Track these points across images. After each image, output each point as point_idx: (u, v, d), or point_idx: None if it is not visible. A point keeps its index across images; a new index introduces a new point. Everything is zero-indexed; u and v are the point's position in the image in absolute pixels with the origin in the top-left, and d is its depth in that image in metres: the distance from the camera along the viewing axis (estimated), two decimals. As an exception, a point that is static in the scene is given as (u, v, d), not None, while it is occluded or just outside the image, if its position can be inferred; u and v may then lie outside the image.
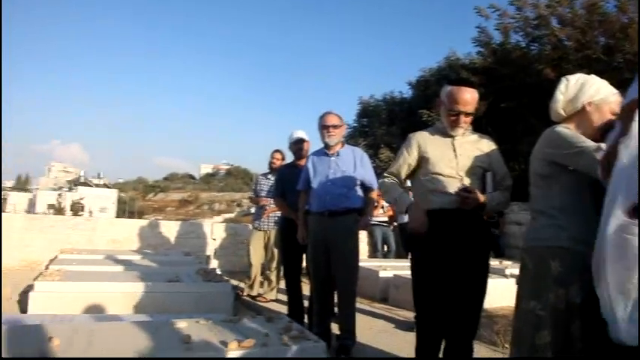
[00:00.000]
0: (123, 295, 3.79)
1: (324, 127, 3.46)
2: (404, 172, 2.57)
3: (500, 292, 4.65)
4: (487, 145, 2.53)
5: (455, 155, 2.44)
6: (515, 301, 2.08)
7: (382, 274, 5.53)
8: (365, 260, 6.93)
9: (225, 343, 2.26)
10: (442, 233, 2.36)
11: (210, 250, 7.42)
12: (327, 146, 3.50)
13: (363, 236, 8.19)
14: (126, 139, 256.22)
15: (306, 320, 3.93)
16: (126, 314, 3.51)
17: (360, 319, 3.65)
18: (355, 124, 16.04)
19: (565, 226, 1.92)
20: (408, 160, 2.53)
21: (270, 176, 5.26)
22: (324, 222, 3.39)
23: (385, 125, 14.13)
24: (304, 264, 4.04)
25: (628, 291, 1.31)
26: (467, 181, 2.39)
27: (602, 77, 2.11)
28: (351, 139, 13.19)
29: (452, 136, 2.48)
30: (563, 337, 1.87)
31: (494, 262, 7.18)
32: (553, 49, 9.66)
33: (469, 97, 2.39)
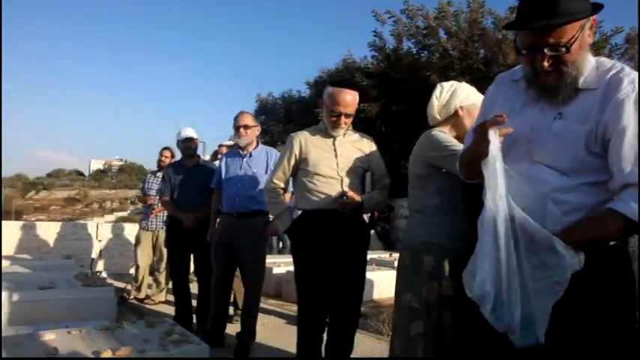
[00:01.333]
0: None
1: (236, 128, 3.45)
2: (287, 174, 2.60)
3: (389, 283, 4.90)
4: (367, 146, 2.59)
5: (335, 155, 2.48)
6: (394, 294, 2.21)
7: (276, 270, 5.58)
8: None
9: (98, 353, 2.13)
10: (320, 233, 2.41)
11: (95, 252, 6.93)
12: (239, 146, 3.49)
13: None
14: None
15: (195, 321, 3.86)
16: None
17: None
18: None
19: (439, 223, 2.06)
20: (290, 160, 2.56)
21: (159, 174, 5.05)
22: (232, 224, 3.36)
23: (282, 123, 14.25)
24: (192, 264, 3.95)
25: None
26: (347, 181, 2.46)
27: (480, 85, 2.29)
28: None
29: (333, 137, 2.52)
30: (435, 326, 2.00)
31: (384, 255, 7.57)
32: (440, 58, 10.39)
33: (350, 99, 2.43)
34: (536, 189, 1.26)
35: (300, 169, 2.54)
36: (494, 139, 1.24)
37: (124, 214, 28.11)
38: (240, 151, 3.49)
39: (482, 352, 1.52)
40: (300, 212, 2.61)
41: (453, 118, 2.17)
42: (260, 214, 3.35)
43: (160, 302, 4.92)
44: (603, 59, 1.37)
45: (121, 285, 5.70)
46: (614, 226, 1.20)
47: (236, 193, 3.37)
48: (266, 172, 3.37)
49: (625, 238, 1.29)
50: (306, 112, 12.64)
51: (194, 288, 3.96)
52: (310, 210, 2.47)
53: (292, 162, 2.56)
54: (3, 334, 2.69)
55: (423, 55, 11.02)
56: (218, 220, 3.55)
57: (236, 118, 3.47)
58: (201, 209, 3.71)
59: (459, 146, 2.01)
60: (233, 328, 3.55)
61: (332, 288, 2.45)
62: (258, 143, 3.57)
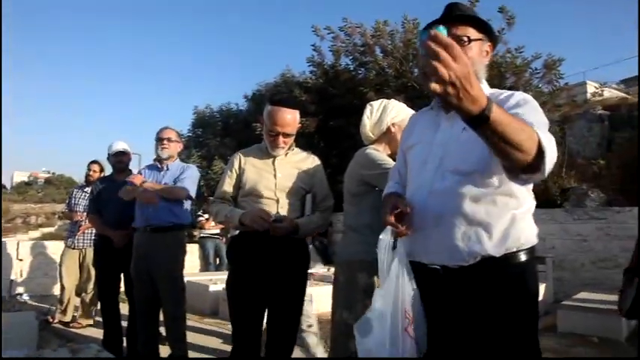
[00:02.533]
0: None
1: (159, 140, 3.41)
2: (230, 194, 2.45)
3: (328, 299, 4.90)
4: (311, 165, 2.49)
5: (274, 175, 2.38)
6: (331, 311, 2.23)
7: (212, 287, 5.47)
8: (194, 275, 6.76)
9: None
10: (256, 254, 2.31)
11: (15, 274, 6.46)
12: (159, 159, 3.43)
13: (194, 249, 8.00)
14: None
15: (125, 344, 3.70)
16: None
17: (191, 337, 3.55)
18: (190, 134, 15.60)
19: (373, 241, 2.10)
20: (232, 177, 2.45)
21: (87, 189, 4.82)
22: (146, 238, 3.25)
23: (220, 137, 13.98)
24: (122, 284, 3.79)
25: None
26: (284, 203, 2.36)
27: (415, 103, 2.37)
28: (185, 149, 12.75)
29: (273, 156, 2.42)
30: None
31: (323, 269, 7.60)
32: (376, 75, 10.67)
33: (289, 118, 2.33)
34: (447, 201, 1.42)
35: (240, 189, 2.43)
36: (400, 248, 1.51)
37: (51, 229, 26.36)
38: (159, 164, 3.45)
39: None
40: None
41: (386, 136, 2.24)
42: (175, 228, 3.31)
43: (88, 325, 4.67)
44: (494, 90, 1.58)
45: (45, 307, 5.36)
46: (530, 137, 1.13)
47: (150, 205, 3.25)
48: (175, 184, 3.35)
49: (526, 169, 1.18)
50: (245, 125, 12.48)
51: (124, 309, 3.79)
52: (245, 231, 2.34)
53: (234, 180, 2.44)
54: None
55: (360, 72, 11.25)
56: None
57: (160, 131, 3.45)
58: (131, 226, 3.58)
59: (392, 164, 2.05)
60: (166, 350, 3.42)
61: (269, 310, 2.37)
62: (176, 159, 3.53)
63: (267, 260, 2.29)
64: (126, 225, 3.57)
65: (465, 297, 1.41)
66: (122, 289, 3.82)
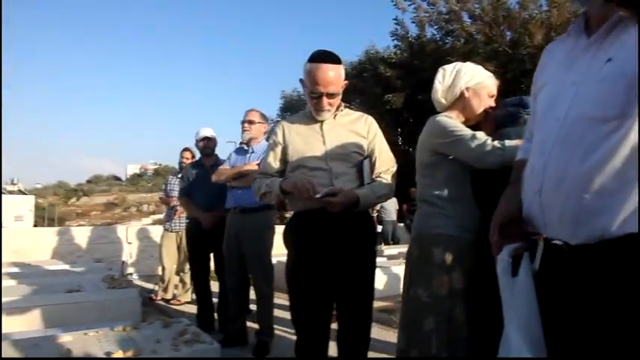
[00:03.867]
0: (14, 311, 3.50)
1: (242, 122, 3.48)
2: (275, 169, 2.18)
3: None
4: (365, 126, 2.17)
5: (323, 142, 2.08)
6: (403, 287, 2.13)
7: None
8: (284, 255, 6.92)
9: (109, 354, 2.15)
10: (312, 236, 2.04)
11: (125, 255, 7.09)
12: (243, 142, 3.51)
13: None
14: (43, 140, 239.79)
15: (216, 318, 3.89)
16: (12, 332, 3.24)
17: (279, 314, 3.62)
18: (278, 119, 16.04)
19: (449, 214, 1.96)
20: (275, 154, 2.17)
21: (180, 175, 5.08)
22: (236, 219, 3.35)
23: (310, 119, 14.15)
24: (212, 263, 3.96)
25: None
26: (338, 172, 2.05)
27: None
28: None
29: (320, 121, 2.12)
30: (446, 323, 1.91)
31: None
32: (465, 43, 10.13)
33: (332, 76, 2.01)
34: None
35: (287, 162, 2.15)
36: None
37: (160, 216, 28.83)
38: (245, 147, 3.50)
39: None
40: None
41: (459, 101, 2.06)
42: (265, 208, 3.33)
43: (186, 302, 4.97)
44: None
45: (150, 286, 5.80)
46: None
47: (239, 187, 3.34)
48: None
49: None
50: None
51: (215, 287, 3.97)
52: (300, 211, 2.10)
53: (279, 152, 2.16)
54: (31, 336, 2.77)
55: (447, 41, 10.76)
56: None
57: (244, 114, 3.50)
58: (219, 208, 3.71)
59: (466, 131, 1.92)
60: (255, 326, 3.52)
61: (338, 297, 2.10)
62: (261, 140, 3.54)
63: (327, 241, 2.02)
64: (214, 207, 3.72)
65: (594, 284, 1.07)
66: (213, 268, 4.00)
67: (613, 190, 1.03)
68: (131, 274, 6.86)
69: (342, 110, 2.16)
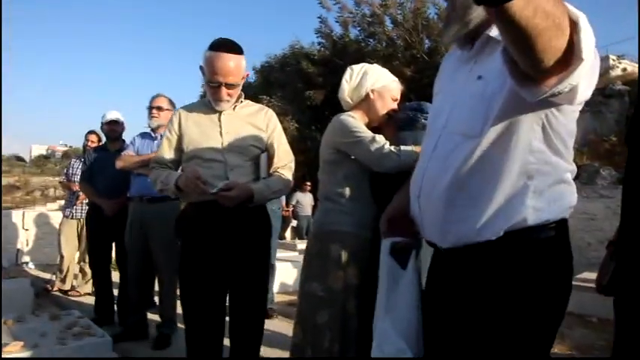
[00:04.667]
0: None
1: (149, 108, 3.38)
2: (168, 159, 2.11)
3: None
4: (265, 119, 2.14)
5: (220, 133, 2.04)
6: (300, 282, 2.18)
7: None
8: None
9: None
10: (204, 227, 2.02)
11: (20, 243, 6.58)
12: (151, 128, 3.40)
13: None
14: None
15: (116, 309, 3.77)
16: None
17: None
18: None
19: (348, 211, 2.03)
20: (170, 143, 2.10)
21: (83, 159, 4.81)
22: (142, 208, 3.26)
23: (229, 111, 13.92)
24: (114, 253, 3.83)
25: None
26: (234, 164, 2.02)
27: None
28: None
29: (219, 111, 2.06)
30: (340, 316, 1.99)
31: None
32: (386, 46, 10.47)
33: (232, 66, 1.94)
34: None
35: (183, 152, 2.09)
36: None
37: (67, 202, 26.98)
38: (152, 133, 3.41)
39: None
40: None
41: (365, 102, 2.12)
42: (171, 198, 3.26)
43: (86, 293, 4.74)
44: None
45: (47, 276, 5.46)
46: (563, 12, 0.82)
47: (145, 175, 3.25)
48: None
49: (555, 66, 0.87)
50: (252, 97, 12.32)
51: (116, 277, 3.83)
52: (193, 202, 2.06)
53: (174, 142, 2.09)
54: None
55: (369, 42, 11.05)
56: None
57: (151, 100, 3.41)
58: (122, 195, 3.57)
59: (367, 133, 1.99)
60: (156, 318, 3.44)
61: (230, 293, 2.09)
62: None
63: (219, 233, 1.99)
64: (117, 194, 3.58)
65: (462, 283, 1.16)
66: (114, 257, 3.85)
67: (473, 201, 1.12)
68: (27, 263, 6.40)
69: (241, 102, 2.12)
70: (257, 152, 2.10)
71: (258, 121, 2.12)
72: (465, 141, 1.14)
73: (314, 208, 10.50)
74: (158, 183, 2.06)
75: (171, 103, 3.48)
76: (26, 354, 2.04)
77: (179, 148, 2.10)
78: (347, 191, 2.04)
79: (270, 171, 2.14)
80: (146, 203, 3.24)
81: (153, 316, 3.45)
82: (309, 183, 9.48)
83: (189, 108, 2.13)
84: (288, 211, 8.86)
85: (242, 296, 2.06)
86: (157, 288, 3.45)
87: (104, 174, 3.69)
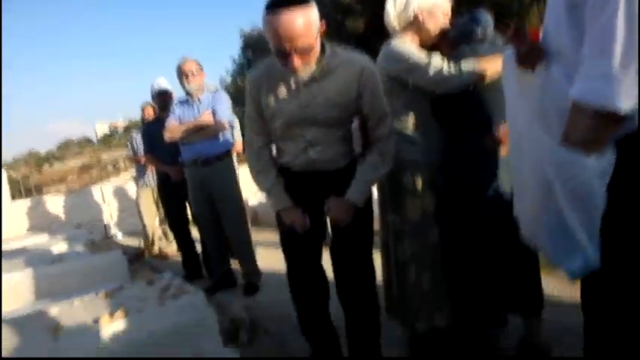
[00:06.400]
0: (-2, 290, 3.49)
1: (182, 74, 3.30)
2: (262, 124, 1.84)
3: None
4: (357, 74, 1.69)
5: (300, 99, 1.71)
6: (380, 215, 2.16)
7: (251, 201, 6.01)
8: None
9: (97, 320, 2.16)
10: (301, 193, 1.85)
11: (106, 217, 7.05)
12: (188, 93, 3.37)
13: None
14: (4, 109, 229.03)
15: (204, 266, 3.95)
16: (-1, 310, 3.24)
17: (263, 253, 3.74)
18: (242, 61, 15.31)
19: (413, 139, 1.97)
20: (257, 108, 1.81)
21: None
22: (199, 171, 3.33)
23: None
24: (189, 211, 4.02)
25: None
26: (321, 137, 1.76)
27: None
28: (240, 76, 12.52)
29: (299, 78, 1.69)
30: (423, 246, 1.97)
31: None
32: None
33: (299, 25, 1.49)
34: None
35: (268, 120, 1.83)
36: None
37: (136, 170, 28.63)
38: (190, 98, 3.37)
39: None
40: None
41: (413, 25, 1.99)
42: (227, 155, 3.37)
43: (172, 254, 5.03)
44: None
45: (136, 244, 5.83)
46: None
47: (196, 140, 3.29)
48: (216, 115, 3.29)
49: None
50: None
51: (195, 233, 4.01)
52: (285, 168, 1.88)
53: (257, 112, 1.81)
54: (17, 315, 2.77)
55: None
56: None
57: (182, 64, 3.30)
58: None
59: (423, 58, 1.89)
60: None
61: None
62: (204, 89, 3.42)
63: (314, 202, 1.83)
64: (179, 159, 3.67)
65: None
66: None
67: None
68: (115, 235, 6.87)
69: (324, 60, 1.67)
70: (345, 117, 1.79)
71: (349, 77, 1.70)
72: None
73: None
74: (262, 187, 1.91)
75: (199, 65, 3.41)
76: (132, 319, 2.18)
77: (263, 116, 1.82)
78: (409, 119, 1.98)
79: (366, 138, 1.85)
80: (201, 166, 3.30)
81: (237, 266, 3.56)
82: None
83: (266, 73, 1.76)
84: None
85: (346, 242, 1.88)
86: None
87: (162, 143, 3.78)
